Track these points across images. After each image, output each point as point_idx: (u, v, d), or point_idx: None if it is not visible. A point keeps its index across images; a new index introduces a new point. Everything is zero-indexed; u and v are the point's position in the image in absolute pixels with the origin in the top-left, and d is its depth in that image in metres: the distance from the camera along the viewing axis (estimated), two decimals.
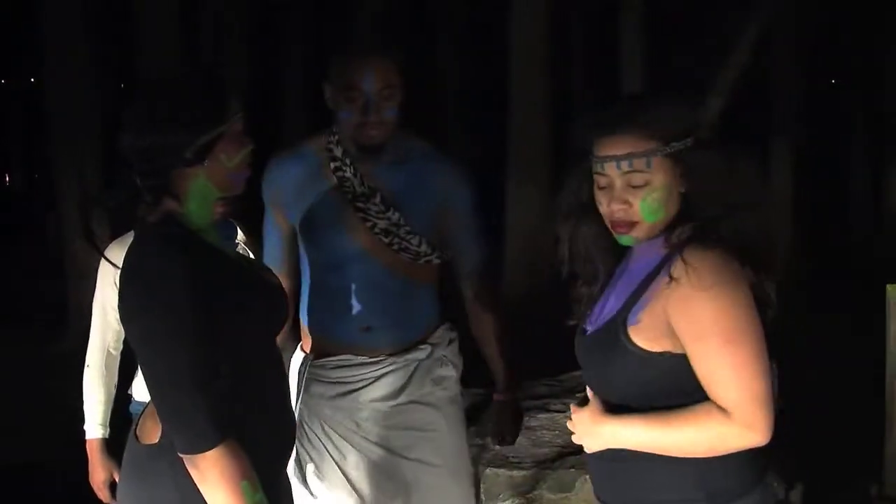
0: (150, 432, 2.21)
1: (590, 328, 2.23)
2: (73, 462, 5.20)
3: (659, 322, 2.02)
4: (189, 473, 2.08)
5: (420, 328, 3.06)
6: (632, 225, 2.10)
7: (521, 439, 5.00)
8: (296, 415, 3.00)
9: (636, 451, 2.09)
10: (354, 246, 2.94)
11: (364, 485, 3.00)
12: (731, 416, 1.97)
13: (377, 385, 2.99)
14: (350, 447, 2.99)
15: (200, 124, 2.14)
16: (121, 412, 3.42)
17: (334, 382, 3.01)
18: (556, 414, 5.24)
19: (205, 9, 12.59)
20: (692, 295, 1.96)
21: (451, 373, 3.12)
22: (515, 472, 4.67)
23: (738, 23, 8.80)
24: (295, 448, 3.02)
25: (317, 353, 3.04)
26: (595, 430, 2.15)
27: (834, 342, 7.92)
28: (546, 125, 10.04)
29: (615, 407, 2.12)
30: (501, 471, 4.64)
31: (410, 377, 3.02)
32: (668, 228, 2.10)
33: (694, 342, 1.99)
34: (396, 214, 2.92)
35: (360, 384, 2.99)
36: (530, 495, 4.59)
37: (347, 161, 2.92)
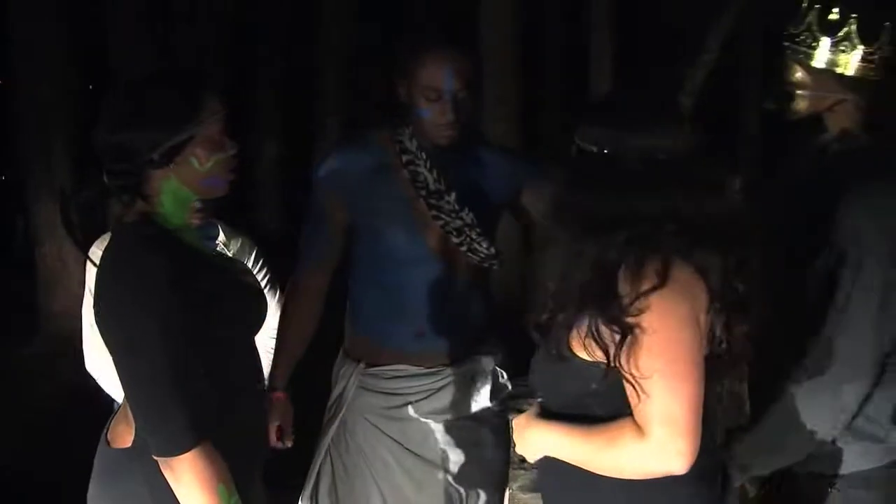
0: (122, 436, 2.20)
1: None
2: (42, 464, 5.17)
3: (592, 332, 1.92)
4: (163, 477, 2.07)
5: (475, 335, 2.97)
6: None
7: None
8: (336, 421, 2.98)
9: (567, 466, 2.01)
10: (421, 245, 2.85)
11: (398, 501, 2.93)
12: (645, 437, 1.86)
13: (434, 398, 2.91)
14: (392, 460, 2.92)
15: (167, 126, 2.11)
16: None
17: (387, 393, 2.92)
18: None
19: (176, 9, 12.51)
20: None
21: (506, 386, 3.05)
22: None
23: (708, 22, 8.85)
24: (326, 458, 2.98)
25: (367, 360, 2.95)
26: (525, 435, 2.09)
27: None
28: (516, 126, 10.02)
29: (555, 415, 2.05)
30: None
31: (469, 391, 2.94)
32: None
33: (622, 355, 1.88)
34: (470, 215, 2.83)
35: (416, 396, 2.91)
36: None
37: (423, 155, 2.83)
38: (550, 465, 2.07)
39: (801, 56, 2.40)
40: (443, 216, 2.83)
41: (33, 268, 8.44)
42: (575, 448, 1.98)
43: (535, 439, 2.07)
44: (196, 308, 2.09)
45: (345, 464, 2.96)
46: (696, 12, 10.10)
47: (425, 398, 2.91)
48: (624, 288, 1.86)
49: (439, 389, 2.92)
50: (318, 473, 3.00)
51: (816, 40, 2.36)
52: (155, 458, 2.07)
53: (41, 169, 8.23)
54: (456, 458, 2.94)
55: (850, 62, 2.35)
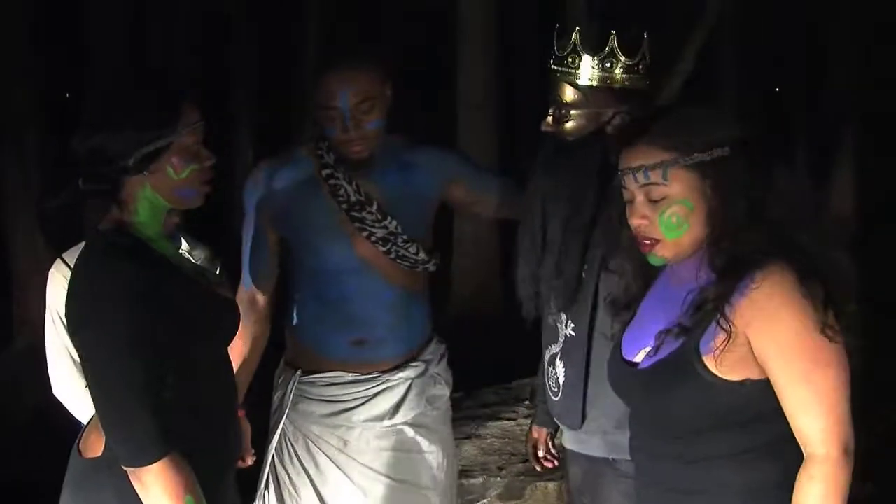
0: (93, 446, 2.19)
1: (633, 356, 2.11)
2: (15, 470, 5.14)
3: (738, 348, 1.91)
4: (132, 487, 2.06)
5: (413, 341, 2.99)
6: (655, 242, 2.01)
7: (470, 447, 5.02)
8: (278, 431, 2.98)
9: (697, 489, 2.01)
10: (352, 255, 2.86)
11: None
12: (824, 452, 1.88)
13: (370, 404, 2.92)
14: (334, 468, 2.92)
15: (143, 133, 2.09)
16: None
17: (325, 401, 2.93)
18: (505, 422, 5.26)
19: (154, 18, 12.47)
20: (775, 318, 1.87)
21: (444, 392, 3.07)
22: (465, 480, 4.67)
23: (684, 29, 8.86)
24: (272, 466, 2.99)
25: (306, 369, 2.96)
26: None
27: None
28: (494, 131, 10.03)
29: (675, 439, 2.03)
30: None
31: (404, 397, 2.95)
32: (711, 245, 2.00)
33: (779, 369, 1.89)
34: (394, 223, 2.85)
35: (352, 403, 2.92)
36: (480, 503, 4.60)
37: (341, 168, 2.84)
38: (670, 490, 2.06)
39: (571, 77, 2.48)
40: (366, 227, 2.85)
41: (9, 279, 8.39)
42: None
43: None
44: (168, 318, 2.08)
45: (288, 472, 2.98)
46: (668, 22, 10.16)
47: (361, 405, 2.93)
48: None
49: (374, 396, 2.93)
50: (266, 483, 3.01)
51: (583, 59, 2.46)
52: (123, 468, 2.06)
53: (16, 177, 8.19)
54: (397, 463, 2.96)
55: (618, 75, 2.46)
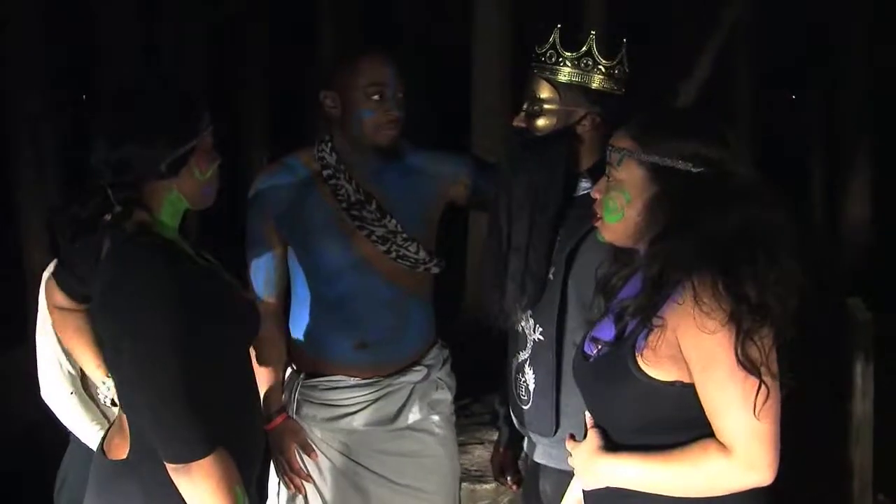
0: (118, 448, 2.20)
1: (589, 351, 2.13)
2: (26, 469, 5.16)
3: (669, 349, 1.91)
4: (159, 490, 2.08)
5: (415, 345, 2.98)
6: (597, 218, 2.12)
7: (482, 452, 5.02)
8: None
9: (636, 492, 1.98)
10: (352, 255, 2.87)
11: None
12: (732, 453, 1.88)
13: (372, 409, 2.92)
14: (336, 471, 2.93)
15: (175, 137, 2.14)
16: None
17: (326, 404, 2.94)
18: None
19: (166, 20, 12.49)
20: (702, 322, 1.86)
21: (446, 396, 3.07)
22: (477, 486, 4.68)
23: (700, 36, 8.87)
24: (275, 469, 2.99)
25: (308, 372, 2.97)
26: (592, 468, 2.04)
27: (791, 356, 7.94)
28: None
29: (615, 440, 2.03)
30: (464, 484, 4.64)
31: (406, 402, 2.95)
32: (647, 247, 2.03)
33: (701, 371, 1.89)
34: (393, 221, 2.87)
35: (353, 408, 2.92)
36: None
37: (342, 168, 2.88)
38: (605, 491, 2.05)
39: (547, 73, 2.52)
40: (366, 225, 2.87)
41: (23, 276, 8.41)
42: (651, 475, 1.96)
43: (602, 471, 2.02)
44: (204, 317, 2.11)
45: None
46: (686, 28, 10.16)
47: (363, 409, 2.93)
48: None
49: (376, 400, 2.93)
50: (279, 485, 3.01)
51: (561, 57, 2.49)
52: (170, 465, 2.07)
53: (31, 176, 8.21)
54: (400, 468, 2.97)
55: (595, 77, 2.49)
